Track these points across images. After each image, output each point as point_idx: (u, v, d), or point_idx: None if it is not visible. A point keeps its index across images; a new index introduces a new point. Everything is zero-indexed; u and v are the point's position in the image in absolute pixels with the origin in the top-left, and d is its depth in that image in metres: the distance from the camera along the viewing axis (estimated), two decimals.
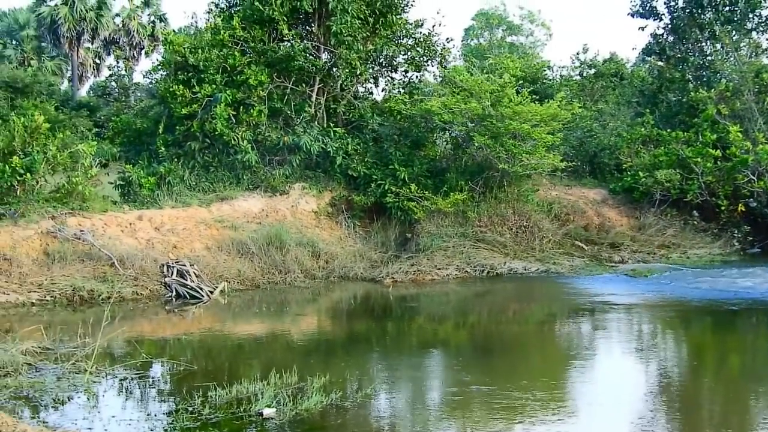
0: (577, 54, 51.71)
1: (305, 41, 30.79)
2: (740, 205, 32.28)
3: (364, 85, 33.73)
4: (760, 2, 39.67)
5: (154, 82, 38.53)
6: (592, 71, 50.56)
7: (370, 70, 32.66)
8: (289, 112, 30.42)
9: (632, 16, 41.96)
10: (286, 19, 30.04)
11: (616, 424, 12.30)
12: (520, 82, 34.20)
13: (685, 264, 29.15)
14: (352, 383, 14.30)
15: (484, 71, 35.44)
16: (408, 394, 14.30)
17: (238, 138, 29.25)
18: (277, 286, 25.09)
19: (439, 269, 27.10)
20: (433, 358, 17.77)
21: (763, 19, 40.04)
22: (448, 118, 30.16)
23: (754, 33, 40.39)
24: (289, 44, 30.42)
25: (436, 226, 28.95)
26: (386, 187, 29.33)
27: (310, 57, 30.45)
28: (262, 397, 12.70)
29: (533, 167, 30.61)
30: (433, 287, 25.90)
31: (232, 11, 31.86)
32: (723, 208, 32.45)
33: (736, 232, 32.44)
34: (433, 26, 33.30)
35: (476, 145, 29.74)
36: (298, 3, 29.85)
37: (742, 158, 31.88)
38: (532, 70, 44.38)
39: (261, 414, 12.15)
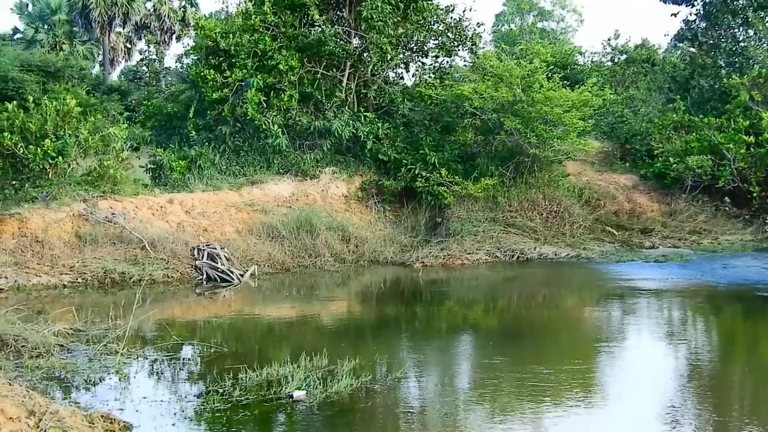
0: (609, 40, 51.40)
1: (336, 26, 30.77)
2: None
3: (394, 71, 33.73)
4: None
5: (185, 66, 38.74)
6: (624, 57, 50.26)
7: (401, 56, 32.63)
8: (319, 96, 30.47)
9: (664, 2, 41.73)
10: (317, 4, 30.04)
11: (645, 410, 12.25)
12: (551, 67, 34.11)
13: (716, 250, 28.99)
14: (382, 366, 14.32)
15: (515, 57, 35.35)
16: (437, 378, 14.31)
17: (268, 122, 29.28)
18: (307, 270, 25.19)
19: (469, 254, 27.10)
20: (463, 341, 17.78)
21: None
22: (479, 103, 30.12)
23: None
24: (319, 29, 30.39)
25: (466, 211, 28.93)
26: (416, 172, 29.34)
27: (341, 42, 30.42)
28: (293, 380, 12.74)
29: (564, 152, 30.56)
30: (463, 272, 25.90)
31: None
32: (755, 194, 32.21)
33: (767, 218, 32.22)
34: (464, 11, 33.27)
35: (507, 130, 29.64)
36: None
37: None
38: (563, 56, 44.29)
39: (291, 396, 12.20)
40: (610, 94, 34.27)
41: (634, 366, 15.05)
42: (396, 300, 22.70)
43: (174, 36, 71.04)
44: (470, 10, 47.72)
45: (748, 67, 37.15)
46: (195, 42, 33.13)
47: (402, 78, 34.28)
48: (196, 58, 32.70)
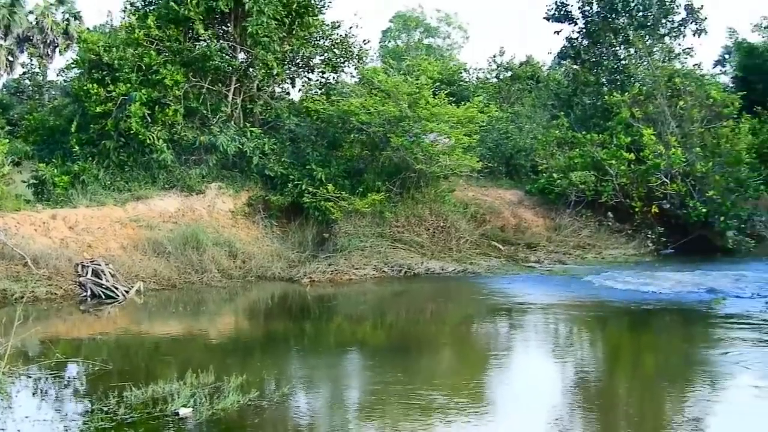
0: (494, 57, 51.97)
1: (221, 41, 30.65)
2: (653, 206, 32.75)
3: (280, 86, 33.69)
4: (673, 8, 40.44)
5: (68, 80, 38.04)
6: (509, 74, 50.89)
7: (287, 71, 32.59)
8: (205, 111, 30.25)
9: (548, 19, 42.44)
10: (202, 18, 29.81)
11: (532, 424, 12.40)
12: (437, 84, 34.33)
13: (600, 264, 29.49)
14: (270, 383, 14.28)
15: (402, 73, 35.54)
16: (326, 394, 14.31)
17: (153, 137, 28.96)
18: (194, 286, 24.90)
19: (357, 269, 27.08)
20: (351, 357, 17.80)
21: (676, 24, 40.88)
22: (366, 118, 30.22)
23: (666, 38, 41.23)
24: (205, 44, 30.17)
25: (354, 227, 28.93)
26: (303, 187, 29.26)
27: (227, 57, 30.25)
28: (179, 397, 12.62)
29: (450, 168, 30.79)
30: (351, 287, 25.91)
31: (148, 10, 31.51)
32: (637, 209, 32.86)
33: (649, 233, 32.76)
34: (351, 28, 33.40)
35: (393, 145, 29.80)
36: (214, 3, 29.62)
37: (655, 162, 32.38)
38: (449, 73, 44.64)
39: (177, 414, 12.08)
40: (495, 110, 34.70)
41: (522, 380, 15.24)
42: (284, 316, 22.64)
43: (57, 49, 69.86)
44: (357, 26, 47.83)
45: (629, 84, 37.91)
46: (78, 55, 32.59)
47: (288, 93, 34.29)
48: (79, 71, 32.21)
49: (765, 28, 53.95)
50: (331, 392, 14.40)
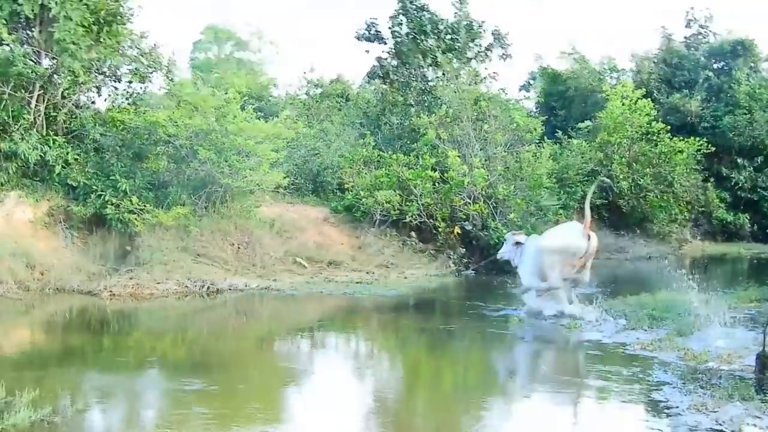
0: (304, 73, 52.30)
1: (26, 46, 29.85)
2: (456, 227, 33.44)
3: (86, 94, 32.95)
4: (479, 33, 41.46)
5: None
6: (319, 91, 51.23)
7: (94, 79, 31.95)
8: (6, 117, 29.33)
9: (359, 39, 42.90)
10: (5, 22, 28.94)
11: None
12: (246, 98, 34.27)
13: (402, 283, 29.89)
14: (65, 398, 13.94)
15: (211, 86, 35.35)
16: (123, 411, 14.06)
17: None
18: None
19: (159, 283, 26.71)
20: (150, 373, 17.49)
21: (482, 49, 41.89)
22: (173, 131, 29.92)
23: (473, 62, 42.18)
24: (8, 48, 29.33)
25: (157, 240, 28.54)
26: (106, 199, 28.70)
27: (30, 62, 29.48)
28: None
29: (256, 183, 30.75)
30: (152, 302, 25.53)
31: None
32: (440, 229, 33.53)
33: (452, 253, 33.47)
34: (160, 38, 33.07)
35: (200, 159, 29.59)
36: (19, 7, 28.84)
37: (459, 181, 33.08)
38: (258, 87, 44.65)
39: None
40: (304, 127, 34.83)
41: (322, 397, 15.25)
42: (82, 330, 22.11)
43: None
44: (167, 37, 47.44)
45: (436, 106, 38.72)
46: None
47: (94, 102, 33.51)
48: None
49: (570, 55, 55.79)
50: (128, 409, 14.16)
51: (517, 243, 23.40)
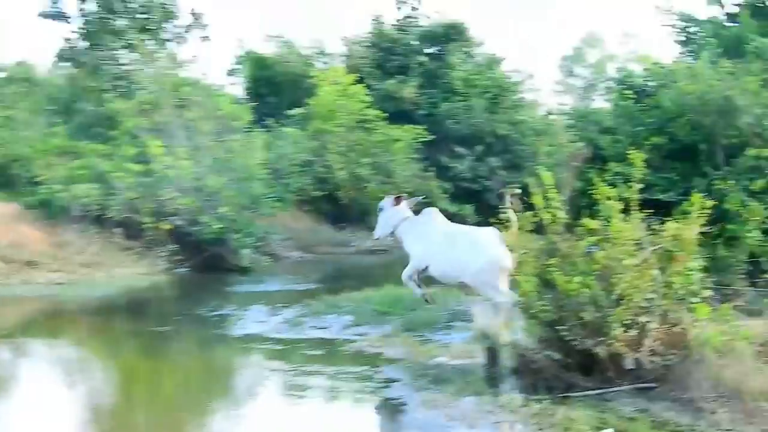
0: None
1: None
2: (165, 223, 32.21)
3: None
4: (174, 13, 40.45)
5: None
6: (2, 75, 49.01)
7: None
8: None
9: (43, 17, 40.93)
10: None
11: None
12: None
13: (110, 283, 28.94)
14: None
15: None
16: None
17: None
18: None
19: None
20: None
21: (181, 30, 40.85)
22: None
23: (172, 44, 41.06)
24: None
25: None
26: None
27: None
28: None
29: None
30: None
31: None
32: (147, 225, 32.22)
33: (162, 251, 32.26)
34: None
35: None
36: None
37: (164, 174, 32.07)
38: None
39: None
40: None
41: (28, 410, 14.38)
42: None
43: None
44: None
45: (134, 92, 37.29)
46: None
47: None
48: None
49: (277, 38, 55.40)
50: None
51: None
